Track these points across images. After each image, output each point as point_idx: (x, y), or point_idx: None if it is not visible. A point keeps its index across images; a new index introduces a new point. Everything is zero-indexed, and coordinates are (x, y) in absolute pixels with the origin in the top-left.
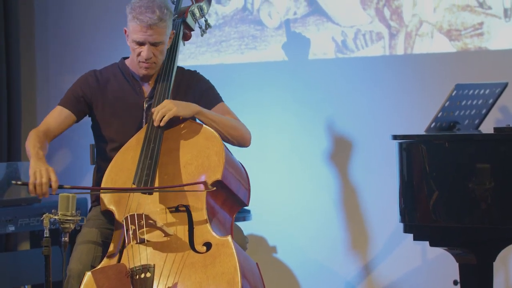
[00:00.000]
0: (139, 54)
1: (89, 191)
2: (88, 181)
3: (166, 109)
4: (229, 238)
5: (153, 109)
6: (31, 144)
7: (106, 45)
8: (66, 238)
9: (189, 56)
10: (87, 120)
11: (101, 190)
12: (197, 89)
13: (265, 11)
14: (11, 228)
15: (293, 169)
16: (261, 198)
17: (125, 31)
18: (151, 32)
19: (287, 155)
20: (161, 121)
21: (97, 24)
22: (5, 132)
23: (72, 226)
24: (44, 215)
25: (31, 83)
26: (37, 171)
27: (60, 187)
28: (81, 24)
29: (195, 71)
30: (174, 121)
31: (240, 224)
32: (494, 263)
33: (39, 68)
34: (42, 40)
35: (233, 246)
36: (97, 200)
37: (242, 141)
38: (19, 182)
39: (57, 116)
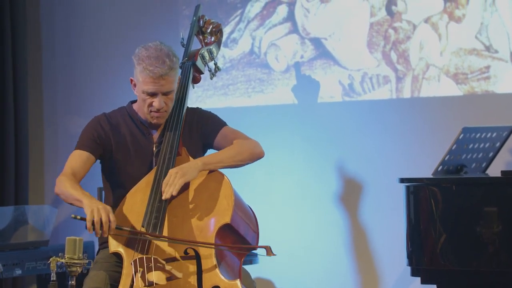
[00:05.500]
0: (150, 105)
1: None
2: None
3: (173, 185)
4: (238, 282)
5: (163, 182)
6: (69, 186)
7: (113, 87)
8: (73, 282)
9: (196, 99)
10: (95, 163)
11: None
12: (200, 125)
13: (272, 55)
14: (18, 272)
15: (301, 212)
16: (268, 241)
17: (132, 80)
18: (163, 82)
19: (295, 198)
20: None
21: (104, 66)
22: (12, 175)
23: (79, 270)
24: (51, 259)
25: (38, 125)
26: (95, 209)
27: (118, 228)
28: (88, 66)
29: (197, 108)
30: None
31: (247, 267)
32: None
33: (46, 110)
34: (49, 82)
35: None
36: (105, 243)
37: (255, 157)
38: (78, 217)
39: (78, 159)
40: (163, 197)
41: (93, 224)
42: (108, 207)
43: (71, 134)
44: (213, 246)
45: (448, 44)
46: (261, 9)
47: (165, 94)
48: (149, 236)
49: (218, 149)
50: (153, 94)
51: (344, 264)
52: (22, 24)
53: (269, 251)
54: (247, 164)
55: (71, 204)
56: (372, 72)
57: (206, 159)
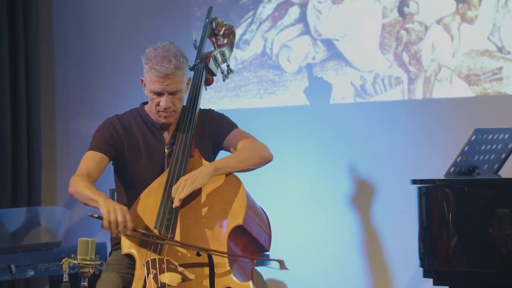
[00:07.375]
0: (158, 104)
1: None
2: None
3: (182, 192)
4: (250, 283)
5: (173, 189)
6: (83, 186)
7: (125, 89)
8: (85, 283)
9: (208, 101)
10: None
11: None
12: (211, 125)
13: (284, 56)
14: (31, 273)
15: (312, 214)
16: (280, 243)
17: (142, 80)
18: (168, 82)
19: (306, 199)
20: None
21: (116, 68)
22: (25, 176)
23: (92, 271)
24: (63, 260)
25: (51, 127)
26: (111, 209)
27: (134, 229)
28: (100, 68)
29: (210, 109)
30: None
31: (259, 269)
32: None
33: (59, 112)
34: (62, 84)
35: None
36: (117, 244)
37: (264, 161)
38: (95, 215)
39: (91, 160)
40: (173, 205)
41: (109, 223)
42: (125, 208)
43: (83, 135)
44: (226, 255)
45: (460, 45)
46: (273, 11)
47: (172, 93)
48: (165, 241)
49: (228, 149)
50: (159, 94)
51: (356, 265)
52: (35, 26)
53: (282, 265)
54: (257, 168)
55: (85, 204)
56: (384, 73)
57: (217, 164)
